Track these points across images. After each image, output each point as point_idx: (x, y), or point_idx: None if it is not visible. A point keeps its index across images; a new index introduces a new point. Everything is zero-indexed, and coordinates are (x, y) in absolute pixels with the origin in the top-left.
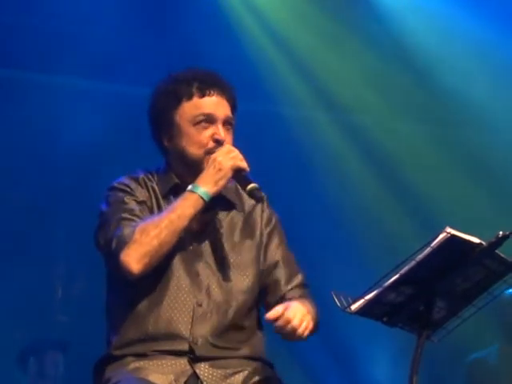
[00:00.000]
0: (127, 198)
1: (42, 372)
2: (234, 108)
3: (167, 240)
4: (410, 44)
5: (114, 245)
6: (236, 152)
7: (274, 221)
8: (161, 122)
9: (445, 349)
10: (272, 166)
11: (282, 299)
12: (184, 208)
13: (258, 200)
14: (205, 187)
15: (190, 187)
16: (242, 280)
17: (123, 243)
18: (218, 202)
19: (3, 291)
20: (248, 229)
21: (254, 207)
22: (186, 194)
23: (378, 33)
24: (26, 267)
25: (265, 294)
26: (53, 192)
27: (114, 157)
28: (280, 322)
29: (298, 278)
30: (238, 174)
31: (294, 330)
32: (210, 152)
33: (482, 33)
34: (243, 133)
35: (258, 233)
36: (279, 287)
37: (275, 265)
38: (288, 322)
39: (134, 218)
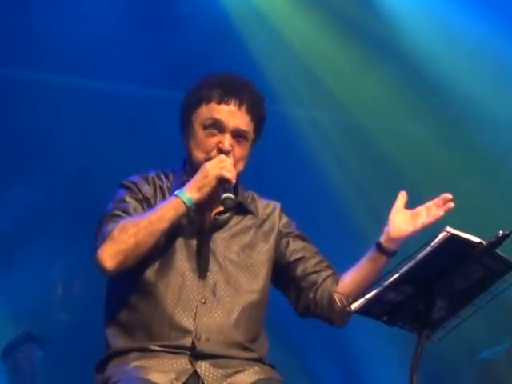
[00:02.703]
0: (128, 197)
1: (16, 369)
2: (255, 122)
3: (144, 239)
4: (413, 45)
5: (97, 240)
6: (226, 163)
7: (294, 225)
8: (182, 119)
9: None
10: (276, 165)
11: (312, 273)
12: (165, 210)
13: (227, 209)
14: (189, 193)
15: (176, 191)
16: (251, 281)
17: (103, 239)
18: (233, 208)
19: (3, 289)
20: (262, 232)
21: (269, 216)
22: (171, 198)
23: (384, 34)
24: (26, 266)
25: (287, 270)
26: (53, 190)
27: (114, 156)
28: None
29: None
30: (221, 184)
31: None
32: (210, 160)
33: (490, 37)
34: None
35: (272, 236)
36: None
37: (301, 256)
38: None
39: (124, 215)
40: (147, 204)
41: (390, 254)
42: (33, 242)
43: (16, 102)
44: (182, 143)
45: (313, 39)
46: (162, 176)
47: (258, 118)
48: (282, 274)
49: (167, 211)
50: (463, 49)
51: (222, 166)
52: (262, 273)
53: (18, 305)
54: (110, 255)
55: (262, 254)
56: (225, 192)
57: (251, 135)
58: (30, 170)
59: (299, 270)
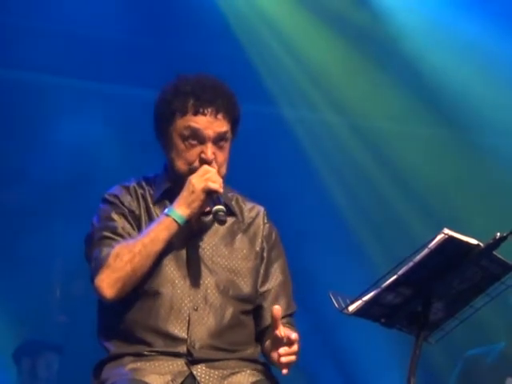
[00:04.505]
0: (114, 214)
1: (34, 373)
2: (233, 121)
3: (141, 264)
4: (414, 49)
5: (92, 266)
6: (211, 173)
7: (274, 236)
8: (158, 129)
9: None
10: (278, 166)
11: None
12: (157, 232)
13: (219, 223)
14: (179, 210)
15: (166, 210)
16: (241, 286)
17: (99, 266)
18: (224, 220)
19: (1, 291)
20: (247, 238)
21: (254, 220)
22: (161, 217)
23: (385, 37)
24: (24, 267)
25: (256, 316)
26: (51, 192)
27: (113, 156)
28: (288, 352)
29: (290, 309)
30: (210, 196)
31: (287, 365)
32: (194, 171)
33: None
34: (254, 136)
35: (258, 243)
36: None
37: (274, 292)
38: (292, 354)
39: (115, 237)
40: (133, 217)
41: None
42: (31, 242)
43: (16, 101)
44: (162, 151)
45: (319, 43)
46: (143, 183)
47: (234, 119)
48: None
49: (160, 232)
50: (465, 53)
51: (207, 177)
52: (250, 279)
53: (16, 306)
54: (108, 284)
55: (250, 261)
56: (214, 204)
57: (230, 135)
58: (29, 169)
59: (258, 319)
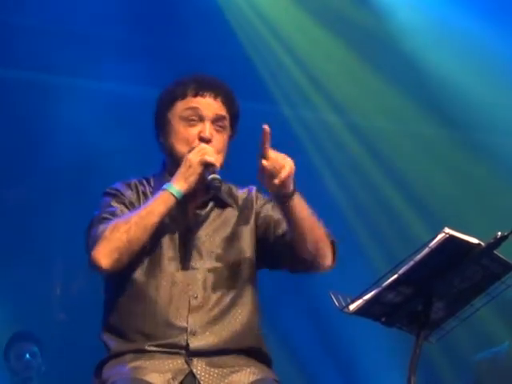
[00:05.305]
0: (113, 201)
1: (11, 368)
2: (230, 112)
3: (137, 235)
4: (415, 47)
5: (89, 243)
6: (207, 149)
7: (265, 197)
8: (158, 120)
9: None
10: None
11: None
12: (154, 205)
13: (215, 189)
14: (176, 185)
15: (164, 185)
16: (238, 272)
17: (95, 241)
18: (212, 202)
19: (2, 290)
20: (242, 218)
21: (246, 203)
22: (159, 192)
23: (385, 35)
24: (25, 265)
25: (268, 232)
26: (51, 190)
27: (112, 155)
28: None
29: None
30: (206, 169)
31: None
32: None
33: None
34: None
35: (252, 216)
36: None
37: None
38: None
39: (112, 218)
40: (132, 207)
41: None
42: (31, 241)
43: (15, 101)
44: (160, 147)
45: (320, 41)
46: (144, 181)
47: (233, 112)
48: (274, 244)
49: (157, 205)
50: (465, 52)
51: (204, 152)
52: (248, 260)
53: (16, 304)
54: (104, 254)
55: (246, 239)
56: (210, 175)
57: (228, 128)
58: (28, 168)
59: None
